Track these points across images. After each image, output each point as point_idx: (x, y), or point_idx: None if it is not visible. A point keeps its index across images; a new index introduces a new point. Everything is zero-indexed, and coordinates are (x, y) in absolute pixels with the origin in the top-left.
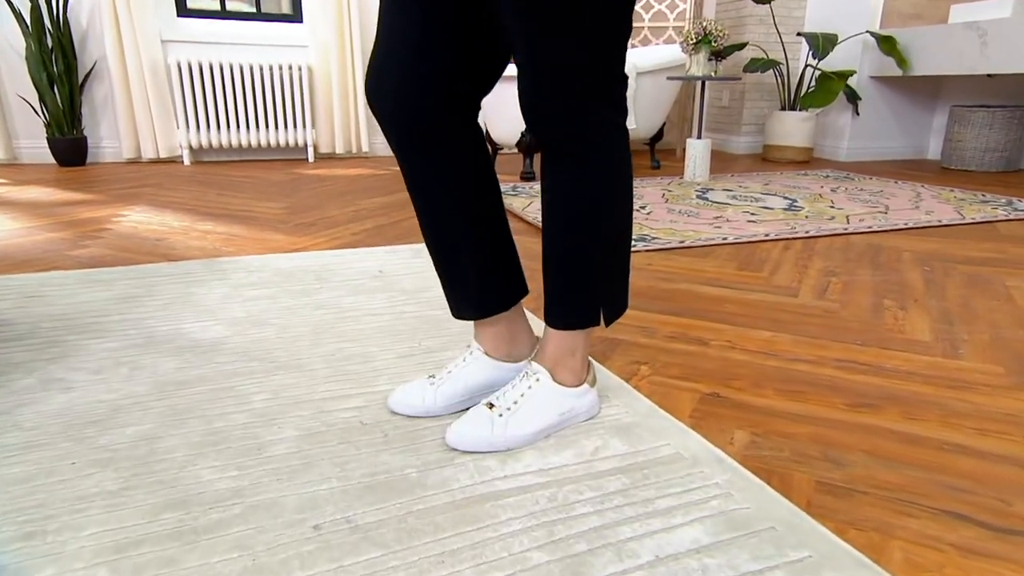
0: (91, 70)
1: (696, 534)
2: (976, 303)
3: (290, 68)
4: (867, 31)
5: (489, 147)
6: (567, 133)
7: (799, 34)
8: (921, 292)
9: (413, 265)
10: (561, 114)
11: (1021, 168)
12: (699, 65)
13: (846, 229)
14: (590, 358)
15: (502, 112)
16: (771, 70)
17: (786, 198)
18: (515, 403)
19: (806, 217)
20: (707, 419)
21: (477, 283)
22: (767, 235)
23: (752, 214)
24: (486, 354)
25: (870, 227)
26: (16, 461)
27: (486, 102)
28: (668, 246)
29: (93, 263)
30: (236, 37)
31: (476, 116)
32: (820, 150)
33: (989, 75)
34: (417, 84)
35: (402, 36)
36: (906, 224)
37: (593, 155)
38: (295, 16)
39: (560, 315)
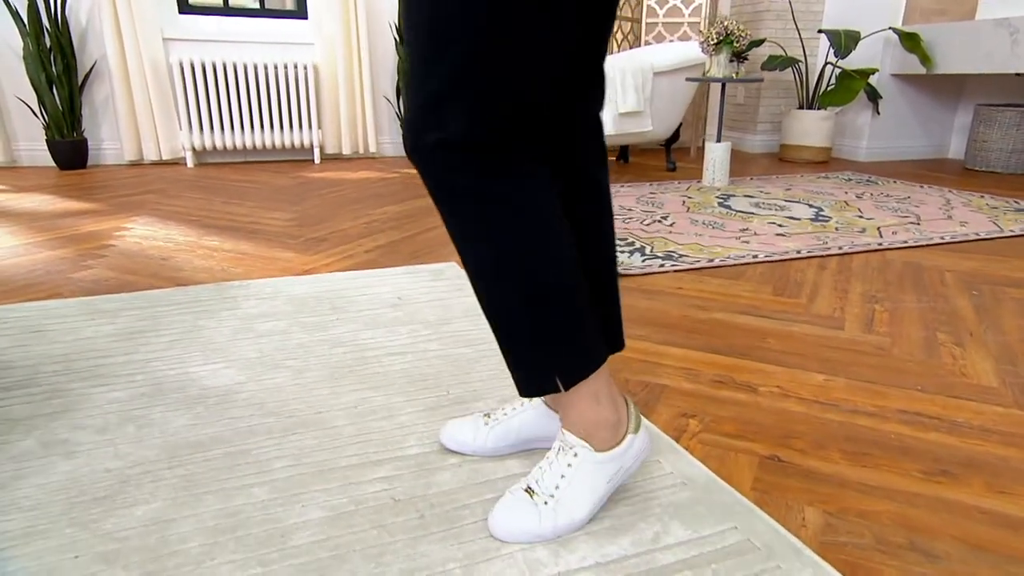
0: (91, 70)
1: None
2: None
3: (295, 67)
4: (890, 27)
5: None
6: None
7: (821, 31)
8: (975, 323)
9: (434, 290)
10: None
11: None
12: (720, 66)
13: (880, 244)
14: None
15: None
16: (789, 68)
17: (811, 206)
18: (557, 488)
19: (836, 229)
20: (772, 492)
21: None
22: (799, 252)
23: (779, 225)
24: (544, 402)
25: (905, 242)
26: (15, 554)
27: None
28: (697, 265)
29: (96, 288)
30: (239, 35)
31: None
32: (838, 150)
33: (1018, 74)
34: None
35: None
36: (942, 238)
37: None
38: (300, 12)
39: (517, 382)
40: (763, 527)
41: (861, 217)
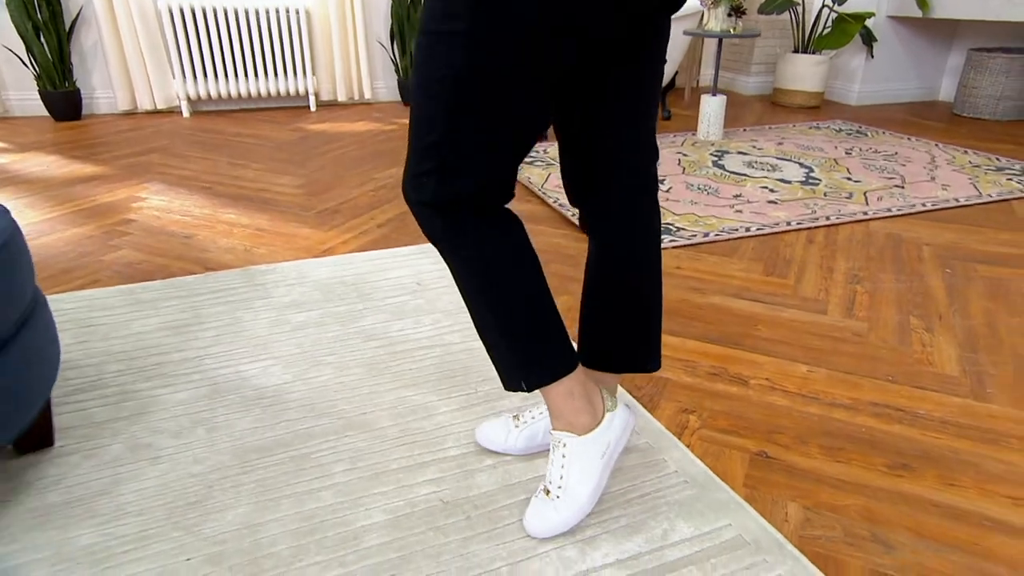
0: (77, 16)
1: None
2: (998, 321)
3: (287, 11)
4: None
5: None
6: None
7: None
8: (945, 306)
9: (445, 272)
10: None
11: None
12: (717, 20)
13: (865, 214)
14: (606, 391)
15: None
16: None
17: (802, 165)
18: (561, 478)
19: (824, 195)
20: (760, 488)
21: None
22: (788, 223)
23: (771, 191)
24: None
25: (889, 210)
26: (136, 556)
27: None
28: (694, 240)
29: (131, 273)
30: None
31: None
32: (831, 92)
33: None
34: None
35: None
36: (924, 205)
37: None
38: None
39: (500, 379)
40: (753, 524)
41: (849, 179)
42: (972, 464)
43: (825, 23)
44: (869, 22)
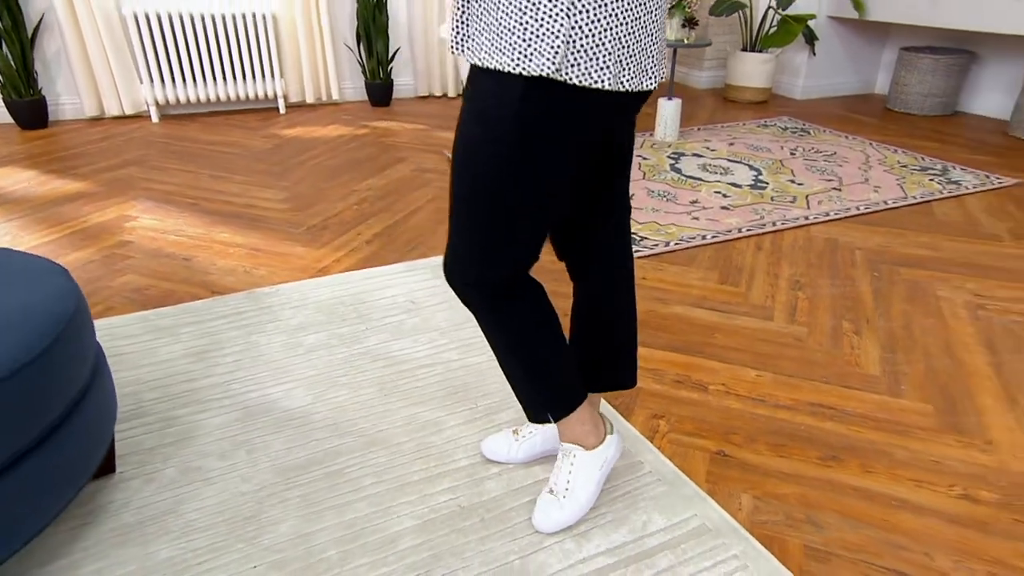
0: (39, 23)
1: None
2: (914, 323)
3: (253, 16)
4: None
5: None
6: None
7: None
8: (871, 309)
9: (437, 291)
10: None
11: (956, 112)
12: (672, 30)
13: (807, 218)
14: (602, 411)
15: None
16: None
17: (751, 167)
18: (568, 483)
19: (771, 199)
20: (719, 483)
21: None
22: (740, 230)
23: (724, 196)
24: None
25: (827, 214)
26: (212, 566)
27: (466, 64)
28: (656, 250)
29: (141, 299)
30: None
31: None
32: (777, 86)
33: None
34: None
35: None
36: (858, 208)
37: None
38: None
39: (526, 414)
40: (713, 513)
41: (793, 182)
42: (885, 453)
43: (771, 23)
44: (811, 22)
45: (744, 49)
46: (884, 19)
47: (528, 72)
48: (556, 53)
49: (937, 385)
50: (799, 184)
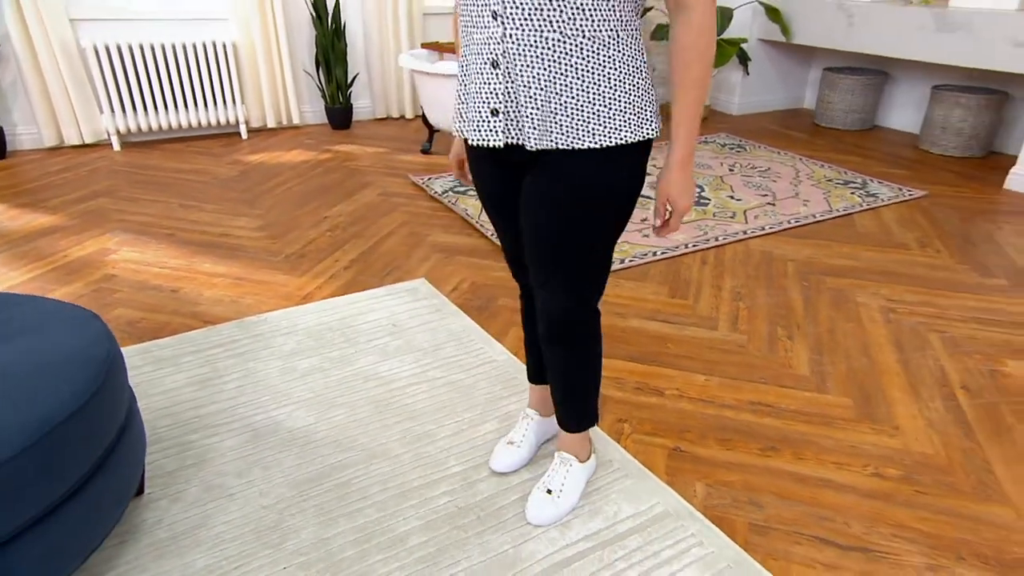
0: None
1: (692, 574)
2: (837, 327)
3: (214, 45)
4: (757, 0)
5: (427, 128)
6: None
7: None
8: (801, 316)
9: (416, 312)
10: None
11: (875, 126)
12: None
13: (745, 233)
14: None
15: (437, 102)
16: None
17: (695, 184)
18: (563, 485)
19: (713, 215)
20: (676, 474)
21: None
22: (687, 245)
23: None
24: (539, 414)
25: (763, 228)
26: (247, 570)
27: (424, 86)
28: (613, 268)
29: (138, 332)
30: (151, 13)
31: None
32: (716, 103)
33: None
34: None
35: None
36: (790, 222)
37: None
38: None
39: (570, 425)
40: (673, 500)
41: (732, 198)
42: (813, 442)
43: None
44: (743, 45)
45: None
46: (808, 43)
47: (647, 137)
48: (657, 115)
49: (855, 382)
50: (738, 200)
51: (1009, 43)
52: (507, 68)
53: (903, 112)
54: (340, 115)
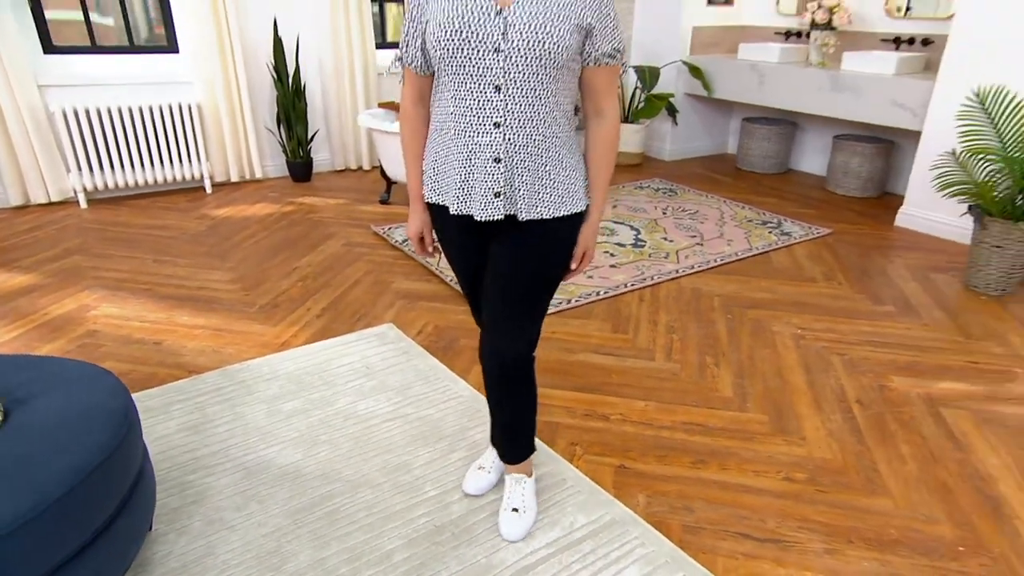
0: None
1: (635, 571)
2: (756, 353)
3: (179, 106)
4: (681, 60)
5: (385, 180)
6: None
7: (632, 68)
8: (726, 345)
9: (386, 355)
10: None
11: (789, 170)
12: None
13: (677, 271)
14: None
15: (395, 157)
16: None
17: (632, 227)
18: (524, 501)
19: (649, 256)
20: (622, 488)
21: None
22: (626, 285)
23: (612, 255)
24: None
25: (692, 267)
26: None
27: (382, 143)
28: (560, 308)
29: (127, 383)
30: (116, 77)
31: None
32: (649, 150)
33: None
34: None
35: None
36: (716, 261)
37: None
38: (171, 47)
39: (510, 458)
40: (619, 510)
41: (666, 239)
42: (735, 454)
43: (639, 101)
44: (671, 99)
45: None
46: (726, 97)
47: (588, 205)
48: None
49: (771, 400)
50: (670, 241)
51: (889, 103)
52: (507, 163)
53: (812, 157)
54: (301, 168)
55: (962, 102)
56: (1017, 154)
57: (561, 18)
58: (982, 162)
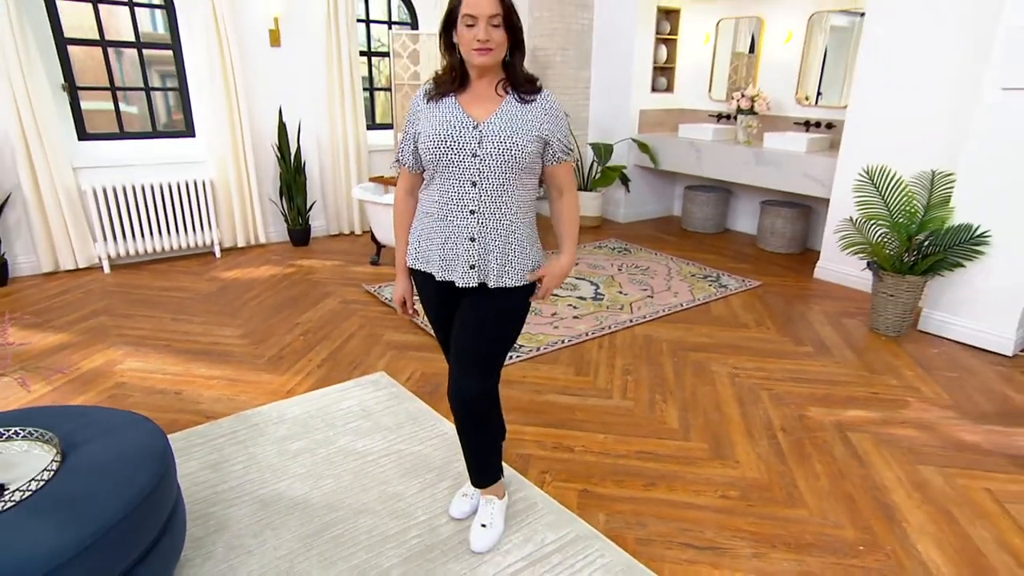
0: (6, 200)
1: None
2: (698, 391)
3: (195, 182)
4: (631, 138)
5: (375, 244)
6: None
7: (589, 144)
8: (673, 384)
9: (379, 399)
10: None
11: (726, 230)
12: None
13: (631, 321)
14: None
15: (384, 224)
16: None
17: (592, 283)
18: (492, 518)
19: (607, 308)
20: (585, 508)
21: None
22: (587, 334)
23: (574, 308)
24: None
25: (644, 316)
26: None
27: (373, 212)
28: (531, 355)
29: None
30: (141, 159)
31: None
32: (606, 213)
33: None
34: None
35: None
36: (664, 311)
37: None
38: (188, 132)
39: (479, 482)
40: (582, 527)
41: (621, 293)
42: (680, 477)
43: (596, 172)
44: (624, 170)
45: (580, 189)
46: (671, 169)
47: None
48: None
49: (710, 431)
50: (625, 294)
51: (802, 175)
52: (480, 242)
53: (744, 219)
54: (300, 234)
55: (855, 177)
56: (901, 220)
57: (524, 132)
58: (874, 226)
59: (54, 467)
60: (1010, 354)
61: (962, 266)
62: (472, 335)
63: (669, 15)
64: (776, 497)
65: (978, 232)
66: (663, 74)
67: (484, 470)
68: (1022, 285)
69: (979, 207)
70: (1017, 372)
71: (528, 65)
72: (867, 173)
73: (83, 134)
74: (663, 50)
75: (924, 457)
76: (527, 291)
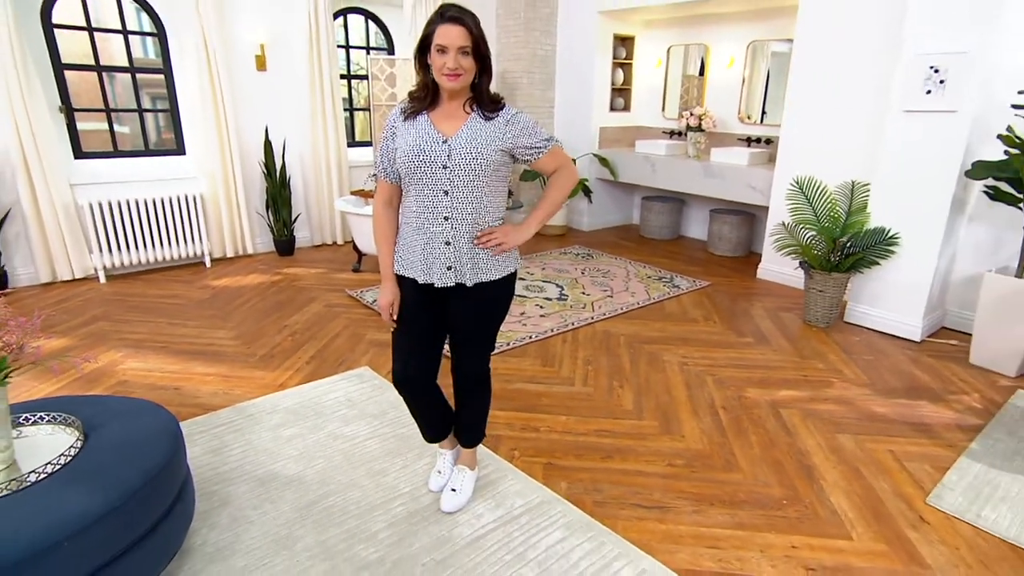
0: (6, 215)
1: (558, 535)
2: (651, 377)
3: (186, 197)
4: (592, 153)
5: (356, 253)
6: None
7: None
8: (629, 372)
9: (363, 391)
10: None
11: (680, 236)
12: None
13: (592, 318)
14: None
15: (364, 234)
16: (539, 178)
17: (557, 285)
18: (461, 485)
19: (571, 307)
20: (549, 478)
21: (443, 428)
22: (553, 330)
23: (541, 307)
24: (449, 450)
25: (604, 314)
26: (273, 563)
27: (354, 223)
28: (502, 350)
29: None
30: (135, 175)
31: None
32: (571, 223)
33: None
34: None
35: (419, 340)
36: (622, 309)
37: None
38: (179, 150)
39: (467, 443)
40: (547, 493)
41: (584, 294)
42: (633, 450)
43: None
44: (586, 183)
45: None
46: (629, 181)
47: (519, 267)
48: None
49: (660, 411)
50: (587, 295)
51: (745, 186)
52: (455, 245)
53: (696, 226)
54: (285, 244)
55: (788, 186)
56: (827, 224)
57: (487, 144)
58: (804, 230)
59: (79, 445)
60: (918, 340)
61: (878, 264)
62: (467, 328)
63: (624, 41)
64: (715, 464)
65: (890, 234)
66: (620, 95)
67: (473, 432)
68: (926, 280)
69: (890, 212)
70: (923, 354)
71: (497, 86)
72: (797, 183)
73: (79, 153)
74: (620, 73)
75: (842, 427)
76: (507, 281)
